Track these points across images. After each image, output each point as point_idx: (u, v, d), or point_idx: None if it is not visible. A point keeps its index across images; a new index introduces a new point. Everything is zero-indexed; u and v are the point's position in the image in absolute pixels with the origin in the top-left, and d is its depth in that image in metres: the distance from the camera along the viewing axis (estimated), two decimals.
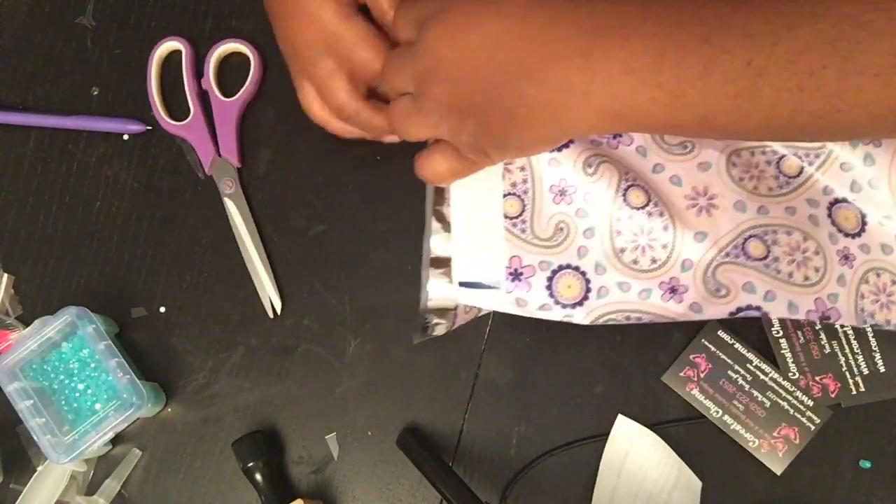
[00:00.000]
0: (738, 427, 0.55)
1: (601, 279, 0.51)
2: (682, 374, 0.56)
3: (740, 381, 0.55)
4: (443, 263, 0.52)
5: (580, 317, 0.51)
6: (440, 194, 0.52)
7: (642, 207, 0.51)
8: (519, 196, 0.52)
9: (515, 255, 0.51)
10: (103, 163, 0.62)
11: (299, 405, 0.58)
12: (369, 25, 0.49)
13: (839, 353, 0.55)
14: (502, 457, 0.56)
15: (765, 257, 0.51)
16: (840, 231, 0.52)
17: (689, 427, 0.56)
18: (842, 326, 0.55)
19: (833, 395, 0.55)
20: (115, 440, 0.58)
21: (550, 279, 0.51)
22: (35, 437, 0.54)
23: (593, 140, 0.53)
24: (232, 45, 0.62)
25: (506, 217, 0.52)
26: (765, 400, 0.55)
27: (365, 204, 0.60)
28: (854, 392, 0.55)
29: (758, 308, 0.50)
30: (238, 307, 0.60)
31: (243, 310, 0.60)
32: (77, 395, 0.57)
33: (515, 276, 0.51)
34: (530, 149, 0.45)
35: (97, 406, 0.57)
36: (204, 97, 0.62)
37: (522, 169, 0.52)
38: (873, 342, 0.55)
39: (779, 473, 0.54)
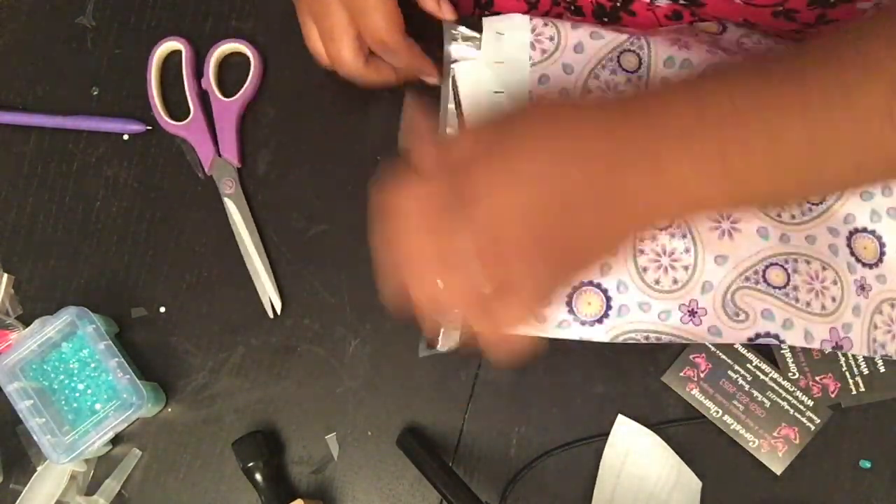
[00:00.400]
0: (738, 427, 0.55)
1: (622, 297, 0.51)
2: (682, 374, 0.56)
3: (740, 381, 0.55)
4: None
5: (599, 335, 0.51)
6: None
7: (665, 228, 0.51)
8: None
9: None
10: (103, 163, 0.62)
11: (299, 405, 0.58)
12: None
13: (839, 353, 0.55)
14: (502, 457, 0.56)
15: (785, 285, 0.51)
16: (858, 261, 0.52)
17: (689, 427, 0.56)
18: None
19: (833, 395, 0.55)
20: (115, 440, 0.58)
21: (571, 295, 0.51)
22: (35, 437, 0.54)
23: None
24: (232, 45, 0.62)
25: None
26: (765, 400, 0.55)
27: (365, 204, 0.60)
28: (854, 392, 0.55)
29: (776, 336, 0.51)
30: (238, 307, 0.60)
31: (243, 310, 0.60)
32: (77, 395, 0.57)
33: None
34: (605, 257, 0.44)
35: (97, 406, 0.57)
36: (204, 97, 0.62)
37: None
38: None
39: (779, 473, 0.54)
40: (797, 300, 0.51)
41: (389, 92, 0.59)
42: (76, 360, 0.58)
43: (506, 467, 0.56)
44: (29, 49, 0.64)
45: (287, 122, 0.62)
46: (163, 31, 0.63)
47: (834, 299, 0.51)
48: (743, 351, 0.56)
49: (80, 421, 0.57)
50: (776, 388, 0.55)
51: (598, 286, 0.51)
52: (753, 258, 0.51)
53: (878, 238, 0.53)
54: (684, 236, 0.51)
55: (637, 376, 0.56)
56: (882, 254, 0.53)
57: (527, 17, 0.55)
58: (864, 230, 0.53)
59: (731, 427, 0.55)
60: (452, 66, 0.55)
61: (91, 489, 0.58)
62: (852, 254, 0.52)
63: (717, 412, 0.55)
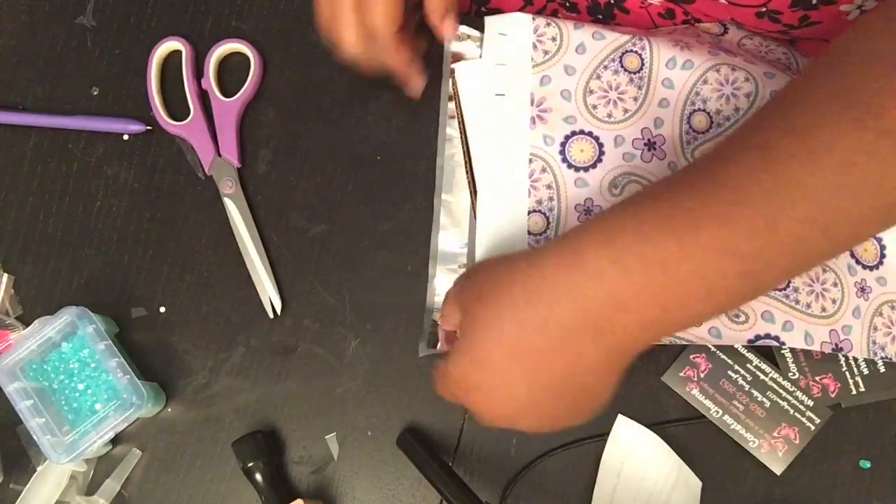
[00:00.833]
0: (739, 427, 0.55)
1: None
2: (682, 374, 0.56)
3: (740, 381, 0.55)
4: (450, 259, 0.52)
5: None
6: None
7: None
8: (544, 213, 0.53)
9: None
10: (103, 163, 0.62)
11: (299, 405, 0.58)
12: None
13: (839, 354, 0.55)
14: (502, 457, 0.56)
15: (785, 287, 0.51)
16: (859, 263, 0.52)
17: (689, 427, 0.56)
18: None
19: (833, 395, 0.55)
20: (115, 440, 0.58)
21: None
22: (35, 437, 0.54)
23: (625, 155, 0.53)
24: (232, 45, 0.62)
25: (529, 234, 0.52)
26: (765, 400, 0.55)
27: (365, 204, 0.60)
28: (854, 392, 0.55)
29: (776, 338, 0.51)
30: (238, 307, 0.60)
31: (243, 310, 0.60)
32: (77, 395, 0.57)
33: None
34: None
35: (97, 406, 0.57)
36: (204, 97, 0.62)
37: (549, 187, 0.53)
38: None
39: (779, 473, 0.54)
40: (797, 302, 0.51)
41: (389, 92, 0.59)
42: (76, 360, 0.58)
43: (506, 467, 0.56)
44: (29, 49, 0.64)
45: (287, 122, 0.62)
46: (163, 31, 0.63)
47: (834, 301, 0.51)
48: (743, 351, 0.56)
49: (80, 421, 0.57)
50: (776, 388, 0.55)
51: None
52: None
53: (879, 240, 0.52)
54: None
55: (637, 376, 0.56)
56: (882, 256, 0.52)
57: (528, 16, 0.55)
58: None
59: (732, 427, 0.55)
60: (453, 65, 0.55)
61: (91, 489, 0.58)
62: (852, 255, 0.52)
63: (718, 412, 0.55)
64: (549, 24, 0.55)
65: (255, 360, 0.59)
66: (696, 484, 0.54)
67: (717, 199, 0.37)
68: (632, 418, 0.56)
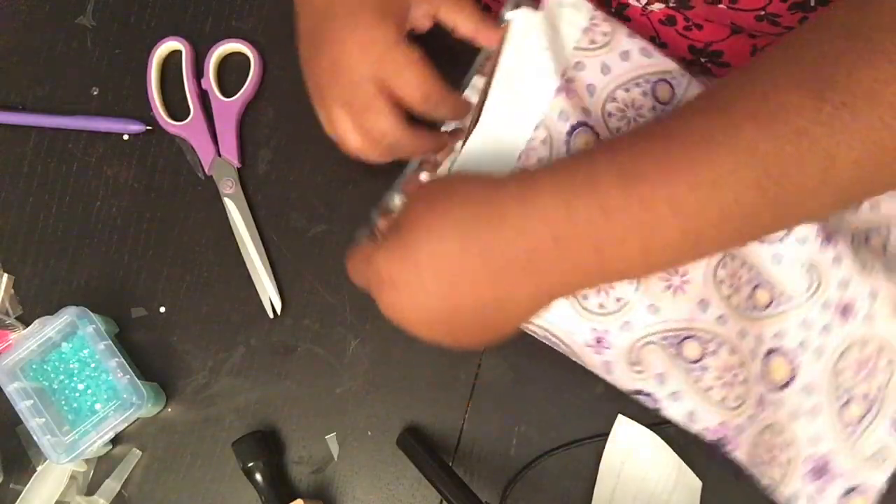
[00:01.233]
0: None
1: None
2: None
3: None
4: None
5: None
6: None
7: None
8: None
9: None
10: (103, 163, 0.62)
11: (299, 405, 0.58)
12: (419, 51, 0.48)
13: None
14: (502, 457, 0.56)
15: (696, 361, 0.50)
16: (766, 378, 0.51)
17: None
18: None
19: None
20: (115, 440, 0.58)
21: None
22: (35, 437, 0.54)
23: None
24: (232, 45, 0.62)
25: None
26: None
27: (365, 204, 0.60)
28: None
29: (656, 400, 0.51)
30: (238, 307, 0.60)
31: (243, 310, 0.60)
32: (77, 395, 0.57)
33: None
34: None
35: (97, 406, 0.57)
36: (204, 97, 0.62)
37: (539, 161, 0.52)
38: None
39: None
40: (700, 380, 0.50)
41: None
42: (76, 360, 0.58)
43: (506, 467, 0.56)
44: (29, 49, 0.64)
45: (287, 122, 0.62)
46: (163, 31, 0.63)
47: (738, 398, 0.51)
48: None
49: (80, 421, 0.57)
50: None
51: None
52: (682, 323, 0.50)
53: (796, 366, 0.52)
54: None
55: None
56: (790, 381, 0.52)
57: (590, 4, 0.54)
58: (782, 352, 0.51)
59: None
60: (508, 14, 0.53)
61: (91, 489, 0.58)
62: (765, 367, 0.52)
63: None
64: (606, 20, 0.53)
65: (255, 360, 0.59)
66: (697, 484, 0.54)
67: (668, 153, 0.37)
68: (632, 418, 0.56)
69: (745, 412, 0.51)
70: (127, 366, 0.55)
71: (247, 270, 0.60)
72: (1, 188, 0.63)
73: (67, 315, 0.56)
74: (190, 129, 0.61)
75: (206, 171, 0.61)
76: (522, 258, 0.38)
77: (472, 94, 0.53)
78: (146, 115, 0.62)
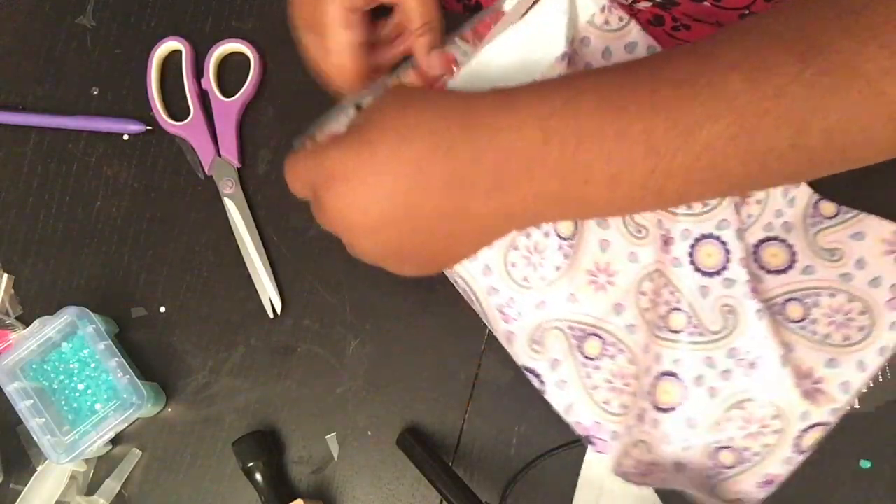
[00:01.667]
0: None
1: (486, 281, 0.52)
2: None
3: None
4: None
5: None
6: None
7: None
8: None
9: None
10: (103, 163, 0.62)
11: (299, 405, 0.58)
12: None
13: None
14: (502, 457, 0.56)
15: (592, 358, 0.52)
16: (652, 396, 0.53)
17: None
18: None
19: None
20: (115, 440, 0.58)
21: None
22: (35, 437, 0.54)
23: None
24: (232, 45, 0.62)
25: None
26: None
27: None
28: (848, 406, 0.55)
29: (542, 382, 0.52)
30: (238, 307, 0.60)
31: (243, 310, 0.60)
32: (77, 395, 0.57)
33: None
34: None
35: (97, 406, 0.57)
36: (204, 97, 0.62)
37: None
38: None
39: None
40: (589, 377, 0.52)
41: None
42: (76, 360, 0.58)
43: (506, 467, 0.56)
44: (29, 49, 0.64)
45: (287, 122, 0.62)
46: (163, 31, 0.63)
47: (622, 406, 0.52)
48: None
49: (80, 421, 0.57)
50: None
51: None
52: (593, 319, 0.52)
53: (683, 397, 0.53)
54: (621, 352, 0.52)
55: None
56: (670, 409, 0.53)
57: None
58: (670, 374, 0.52)
59: None
60: None
61: (91, 489, 0.58)
62: (652, 386, 0.53)
63: None
64: (624, 8, 0.53)
65: (255, 360, 0.59)
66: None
67: (652, 90, 0.37)
68: None
69: (625, 422, 0.52)
70: (127, 366, 0.55)
71: (247, 270, 0.60)
72: (1, 188, 0.63)
73: (67, 315, 0.56)
74: (190, 129, 0.61)
75: (206, 171, 0.61)
76: (490, 171, 0.37)
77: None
78: (146, 115, 0.62)
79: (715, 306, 0.52)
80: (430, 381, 0.58)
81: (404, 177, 0.37)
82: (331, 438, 0.58)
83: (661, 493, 0.55)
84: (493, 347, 0.57)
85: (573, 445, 0.56)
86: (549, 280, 0.51)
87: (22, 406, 0.55)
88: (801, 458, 0.52)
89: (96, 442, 0.54)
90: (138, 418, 0.57)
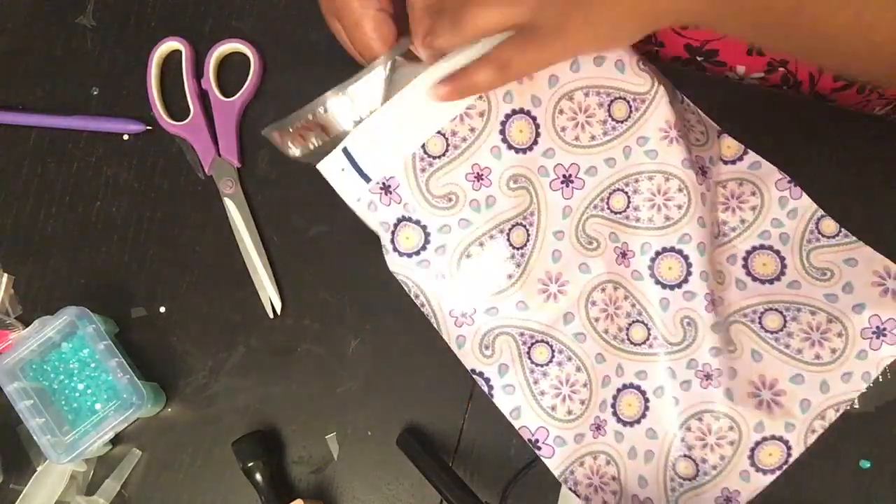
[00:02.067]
0: None
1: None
2: None
3: None
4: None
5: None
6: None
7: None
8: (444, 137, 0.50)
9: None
10: (103, 163, 0.62)
11: (299, 405, 0.58)
12: None
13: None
14: (502, 457, 0.56)
15: (540, 365, 0.52)
16: (617, 409, 0.54)
17: None
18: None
19: None
20: (115, 440, 0.58)
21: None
22: (35, 437, 0.54)
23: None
24: (232, 45, 0.62)
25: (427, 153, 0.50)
26: None
27: None
28: (848, 407, 0.54)
29: (490, 386, 0.52)
30: (238, 307, 0.60)
31: (243, 310, 0.60)
32: (77, 395, 0.57)
33: (385, 189, 0.50)
34: (616, 31, 0.46)
35: (97, 406, 0.57)
36: (204, 97, 0.62)
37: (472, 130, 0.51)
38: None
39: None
40: (537, 383, 0.52)
41: None
42: (76, 360, 0.58)
43: (506, 467, 0.56)
44: (29, 49, 0.64)
45: None
46: (163, 31, 0.63)
47: (569, 413, 0.52)
48: None
49: (80, 421, 0.57)
50: None
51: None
52: (542, 327, 0.52)
53: (646, 408, 0.54)
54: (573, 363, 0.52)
55: None
56: (635, 422, 0.54)
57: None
58: (632, 387, 0.53)
59: None
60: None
61: (91, 489, 0.58)
62: (615, 399, 0.54)
63: None
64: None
65: (255, 360, 0.59)
66: None
67: None
68: None
69: (574, 429, 0.52)
70: (127, 366, 0.55)
71: (247, 270, 0.60)
72: (1, 188, 0.63)
73: (67, 315, 0.56)
74: (190, 129, 0.61)
75: (206, 171, 0.61)
76: None
77: None
78: (146, 115, 0.62)
79: (675, 318, 0.53)
80: (430, 381, 0.58)
81: None
82: (331, 438, 0.58)
83: None
84: None
85: None
86: (501, 288, 0.51)
87: (22, 406, 0.55)
88: (763, 477, 0.53)
89: (96, 442, 0.54)
90: (138, 418, 0.57)
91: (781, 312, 0.54)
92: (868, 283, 0.53)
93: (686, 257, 0.53)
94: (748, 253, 0.55)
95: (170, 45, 0.62)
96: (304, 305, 0.59)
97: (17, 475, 0.58)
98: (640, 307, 0.53)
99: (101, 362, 0.57)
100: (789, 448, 0.52)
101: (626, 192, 0.52)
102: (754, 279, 0.55)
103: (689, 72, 0.67)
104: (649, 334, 0.53)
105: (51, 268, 0.61)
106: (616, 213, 0.52)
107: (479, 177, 0.51)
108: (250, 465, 0.55)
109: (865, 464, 0.54)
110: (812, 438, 0.53)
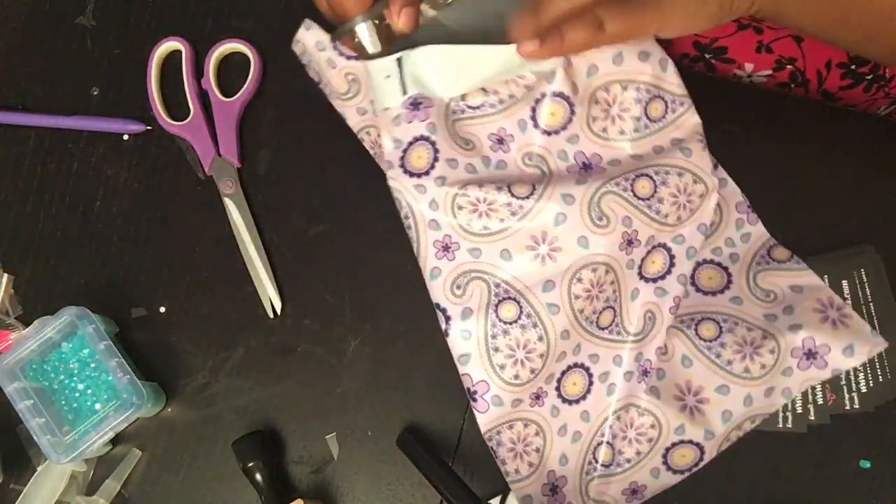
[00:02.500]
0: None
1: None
2: None
3: None
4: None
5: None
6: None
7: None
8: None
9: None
10: (103, 163, 0.62)
11: (299, 405, 0.58)
12: None
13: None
14: None
15: (503, 322, 0.52)
16: (562, 386, 0.54)
17: None
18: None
19: (829, 404, 0.55)
20: (115, 440, 0.58)
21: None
22: (35, 437, 0.54)
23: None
24: (232, 45, 0.62)
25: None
26: None
27: (365, 204, 0.60)
28: (847, 406, 0.54)
29: (449, 325, 0.52)
30: (238, 307, 0.60)
31: (243, 310, 0.60)
32: (77, 395, 0.57)
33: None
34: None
35: (97, 406, 0.57)
36: (204, 97, 0.62)
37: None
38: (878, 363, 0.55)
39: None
40: (494, 337, 0.52)
41: None
42: (76, 360, 0.58)
43: None
44: (29, 49, 0.64)
45: (287, 122, 0.62)
46: (163, 31, 0.63)
47: (516, 377, 0.52)
48: None
49: (80, 421, 0.57)
50: None
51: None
52: (519, 285, 0.52)
53: (587, 391, 0.54)
54: (535, 326, 0.52)
55: None
56: (574, 402, 0.54)
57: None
58: (581, 366, 0.54)
59: None
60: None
61: (91, 489, 0.58)
62: (562, 374, 0.54)
63: None
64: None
65: (255, 360, 0.59)
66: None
67: None
68: None
69: (515, 394, 0.52)
70: (127, 366, 0.55)
71: (247, 270, 0.60)
72: (1, 188, 0.63)
73: (67, 315, 0.56)
74: (190, 129, 0.61)
75: (206, 171, 0.61)
76: None
77: None
78: (146, 115, 0.62)
79: (641, 310, 0.53)
80: (430, 381, 0.58)
81: None
82: (331, 438, 0.58)
83: None
84: None
85: None
86: (490, 231, 0.51)
87: (22, 406, 0.55)
88: (672, 476, 0.53)
89: (96, 442, 0.54)
90: (138, 418, 0.57)
91: (718, 323, 0.54)
92: (809, 309, 0.53)
93: (672, 256, 0.53)
94: (697, 265, 0.55)
95: (170, 45, 0.62)
96: (304, 305, 0.59)
97: (17, 475, 0.58)
98: (618, 294, 0.53)
99: (101, 362, 0.57)
100: (703, 453, 0.53)
101: (655, 181, 0.52)
102: (697, 290, 0.55)
103: (693, 71, 0.67)
104: (613, 321, 0.53)
105: (51, 268, 0.61)
106: (640, 198, 0.51)
107: (500, 140, 0.51)
108: (250, 465, 0.55)
109: (865, 464, 0.54)
110: (725, 446, 0.53)
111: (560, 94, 0.51)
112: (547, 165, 0.52)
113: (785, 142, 0.58)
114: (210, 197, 0.61)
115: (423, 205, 0.51)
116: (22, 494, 0.57)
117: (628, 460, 0.53)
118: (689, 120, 0.53)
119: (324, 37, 0.53)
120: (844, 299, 0.55)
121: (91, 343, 0.56)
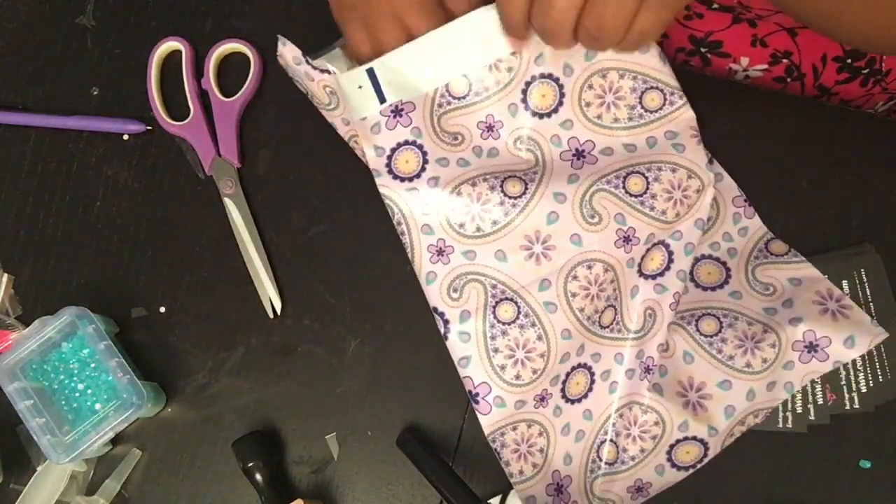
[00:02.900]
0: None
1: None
2: None
3: None
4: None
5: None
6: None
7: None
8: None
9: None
10: (103, 163, 0.62)
11: (299, 405, 0.58)
12: None
13: (841, 367, 0.54)
14: None
15: (502, 322, 0.52)
16: (567, 386, 0.54)
17: None
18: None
19: (829, 404, 0.55)
20: (115, 440, 0.58)
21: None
22: (35, 437, 0.54)
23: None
24: (232, 45, 0.62)
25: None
26: None
27: (365, 204, 0.60)
28: (847, 406, 0.54)
29: (448, 329, 0.52)
30: (238, 307, 0.60)
31: (243, 310, 0.60)
32: (77, 395, 0.57)
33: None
34: None
35: (97, 406, 0.57)
36: (204, 97, 0.62)
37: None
38: (878, 362, 0.55)
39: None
40: (493, 339, 0.52)
41: None
42: (76, 360, 0.58)
43: None
44: (29, 49, 0.64)
45: (287, 122, 0.62)
46: (163, 31, 0.63)
47: (517, 377, 0.52)
48: None
49: (80, 421, 0.57)
50: None
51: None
52: (515, 285, 0.52)
53: (590, 390, 0.54)
54: (533, 325, 0.52)
55: None
56: (576, 401, 0.54)
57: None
58: (585, 366, 0.54)
59: None
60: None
61: (91, 489, 0.58)
62: (566, 376, 0.54)
63: None
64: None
65: (255, 360, 0.59)
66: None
67: None
68: None
69: (518, 395, 0.52)
70: (127, 366, 0.55)
71: (247, 270, 0.60)
72: (1, 188, 0.63)
73: (67, 315, 0.56)
74: (190, 129, 0.61)
75: (206, 171, 0.61)
76: None
77: None
78: (146, 115, 0.62)
79: (641, 307, 0.53)
80: (430, 381, 0.58)
81: None
82: (331, 438, 0.58)
83: None
84: None
85: None
86: (484, 232, 0.51)
87: (22, 406, 0.55)
88: (677, 472, 0.53)
89: (96, 442, 0.54)
90: (138, 418, 0.57)
91: (718, 318, 0.54)
92: (809, 301, 0.53)
93: (671, 252, 0.53)
94: (696, 260, 0.55)
95: (170, 45, 0.62)
96: (304, 305, 0.59)
97: (17, 475, 0.58)
98: (619, 293, 0.53)
99: (101, 362, 0.57)
100: (707, 449, 0.53)
101: (647, 178, 0.52)
102: (697, 285, 0.55)
103: (688, 65, 0.67)
104: (614, 319, 0.53)
105: (51, 268, 0.61)
106: (632, 195, 0.52)
107: (490, 128, 0.51)
108: (250, 465, 0.55)
109: (865, 464, 0.54)
110: (730, 441, 0.53)
111: (549, 76, 0.51)
112: (541, 150, 0.52)
113: (785, 141, 0.58)
114: (210, 197, 0.61)
115: (415, 209, 0.51)
116: (22, 494, 0.57)
117: (633, 458, 0.53)
118: (684, 114, 0.53)
119: (297, 52, 0.53)
120: None
121: (91, 343, 0.56)
